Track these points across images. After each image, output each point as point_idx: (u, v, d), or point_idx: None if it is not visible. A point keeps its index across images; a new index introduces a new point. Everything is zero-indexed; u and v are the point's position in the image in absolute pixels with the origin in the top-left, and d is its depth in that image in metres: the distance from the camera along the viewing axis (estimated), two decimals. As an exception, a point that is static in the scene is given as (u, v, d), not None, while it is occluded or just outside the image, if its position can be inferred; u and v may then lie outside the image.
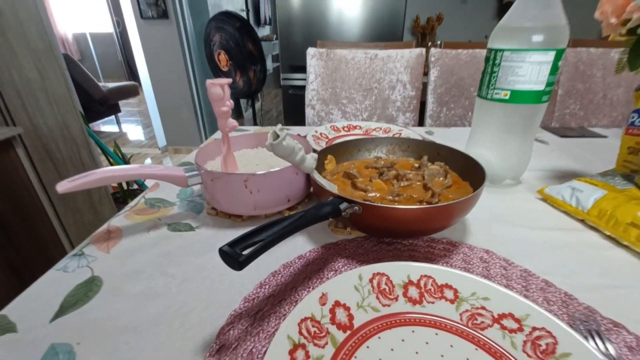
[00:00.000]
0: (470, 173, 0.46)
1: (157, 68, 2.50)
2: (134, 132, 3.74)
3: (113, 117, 3.64)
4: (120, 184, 1.59)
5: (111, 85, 3.30)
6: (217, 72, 2.02)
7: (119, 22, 5.11)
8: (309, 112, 1.16)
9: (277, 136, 0.34)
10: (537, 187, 0.53)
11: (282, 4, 1.80)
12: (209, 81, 0.39)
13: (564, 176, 0.58)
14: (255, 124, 2.38)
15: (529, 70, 0.44)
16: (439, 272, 0.31)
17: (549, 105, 1.02)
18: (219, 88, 0.39)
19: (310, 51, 1.13)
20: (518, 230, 0.43)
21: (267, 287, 0.34)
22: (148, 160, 2.82)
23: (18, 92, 1.03)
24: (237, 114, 3.99)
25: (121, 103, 3.86)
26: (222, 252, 0.25)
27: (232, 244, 0.25)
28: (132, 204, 0.50)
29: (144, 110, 4.55)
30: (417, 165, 0.51)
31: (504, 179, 0.54)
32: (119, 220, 0.46)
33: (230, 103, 0.41)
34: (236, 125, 0.43)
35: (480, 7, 2.17)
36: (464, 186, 0.45)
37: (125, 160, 1.59)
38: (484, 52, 1.07)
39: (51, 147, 1.12)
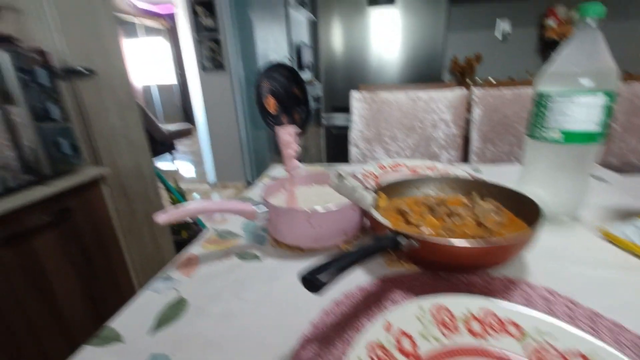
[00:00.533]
0: (524, 211, 0.46)
1: (211, 112, 2.78)
2: (186, 169, 4.08)
3: (169, 155, 4.02)
4: (176, 217, 1.74)
5: (170, 127, 3.69)
6: (265, 115, 2.19)
7: (181, 74, 5.81)
8: (353, 151, 1.22)
9: (341, 176, 0.39)
10: (597, 225, 0.51)
11: (326, 51, 1.97)
12: (279, 128, 0.46)
13: (626, 214, 0.56)
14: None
15: (580, 112, 0.46)
16: (501, 307, 0.32)
17: (607, 142, 0.98)
18: (288, 135, 0.46)
19: (354, 94, 1.21)
20: (580, 269, 0.42)
21: (331, 314, 0.36)
22: (196, 195, 3.03)
23: (105, 137, 1.22)
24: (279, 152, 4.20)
25: (176, 142, 4.27)
26: (304, 278, 0.29)
27: (311, 271, 0.29)
28: (205, 235, 0.57)
29: (195, 150, 4.97)
30: (467, 202, 0.53)
31: (559, 216, 0.53)
32: (195, 249, 0.52)
33: (296, 147, 0.47)
34: (299, 166, 0.49)
35: (521, 45, 2.19)
36: (519, 224, 0.46)
37: (182, 195, 1.74)
38: (528, 90, 1.09)
39: (126, 184, 1.28)
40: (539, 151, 0.52)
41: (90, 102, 1.17)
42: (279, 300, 0.39)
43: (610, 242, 0.47)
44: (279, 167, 0.96)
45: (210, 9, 2.46)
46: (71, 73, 1.10)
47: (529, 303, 0.36)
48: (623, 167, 0.79)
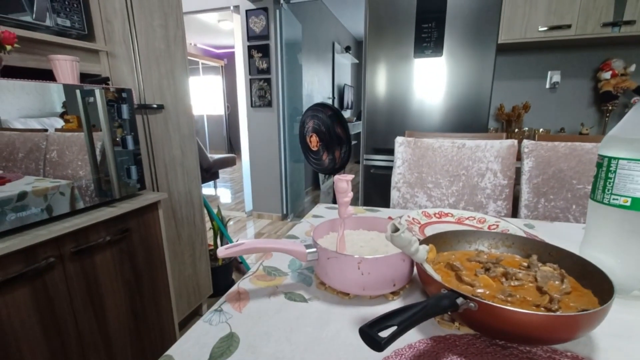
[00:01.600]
0: (591, 280, 0.44)
1: (256, 144, 2.94)
2: (225, 195, 4.26)
3: (212, 182, 4.25)
4: (215, 243, 1.80)
5: (216, 156, 3.93)
6: (307, 151, 2.28)
7: (229, 107, 6.29)
8: (394, 194, 1.22)
9: (396, 228, 0.40)
10: (680, 305, 0.46)
11: (370, 94, 2.05)
12: (337, 177, 0.49)
13: None
14: (333, 193, 2.52)
15: (652, 179, 0.44)
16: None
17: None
18: (345, 183, 0.48)
19: (399, 139, 1.23)
20: (662, 355, 0.38)
21: (382, 371, 0.36)
22: (231, 223, 3.12)
23: (165, 166, 1.33)
24: (314, 186, 4.28)
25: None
26: (362, 332, 0.29)
27: (371, 325, 0.30)
28: (253, 269, 0.59)
29: (235, 178, 5.22)
30: (525, 264, 0.51)
31: (632, 289, 0.49)
32: (245, 283, 0.54)
33: (351, 194, 0.49)
34: (353, 212, 0.51)
35: (572, 96, 2.13)
36: (585, 294, 0.43)
37: (224, 223, 1.81)
38: (585, 145, 1.04)
39: (177, 208, 1.38)
40: (605, 216, 0.50)
41: (157, 133, 1.30)
42: (328, 349, 0.39)
43: (697, 326, 0.42)
44: (322, 207, 0.98)
45: (265, 53, 2.70)
46: (145, 108, 1.25)
47: (603, 388, 0.33)
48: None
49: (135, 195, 1.07)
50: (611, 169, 0.47)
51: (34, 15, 0.93)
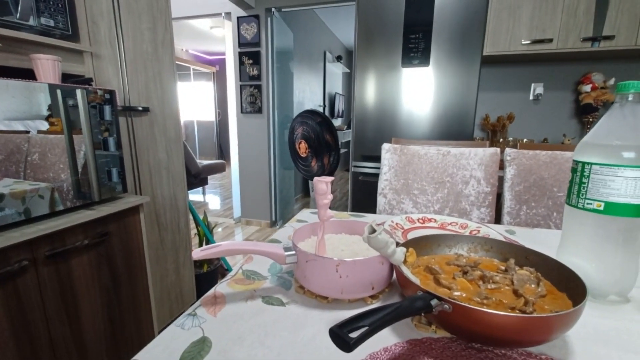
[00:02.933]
0: (566, 284, 0.44)
1: (245, 151, 2.93)
2: (213, 202, 4.21)
3: (200, 188, 4.20)
4: (200, 245, 1.76)
5: (205, 162, 3.90)
6: (296, 158, 2.28)
7: (219, 113, 6.27)
8: (380, 200, 1.22)
9: (374, 230, 0.39)
10: (652, 308, 0.47)
11: (359, 102, 2.07)
12: (316, 179, 0.48)
13: (687, 299, 0.51)
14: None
15: (624, 184, 0.45)
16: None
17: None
18: (324, 184, 0.48)
19: (385, 146, 1.24)
20: (632, 357, 0.38)
21: (356, 375, 0.35)
22: (219, 230, 3.08)
23: (150, 169, 1.31)
24: (304, 193, 4.27)
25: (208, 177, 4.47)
26: (332, 332, 0.28)
27: (341, 325, 0.29)
28: (232, 273, 0.58)
29: (224, 184, 5.17)
30: (503, 267, 0.51)
31: (607, 294, 0.50)
32: (222, 287, 0.53)
33: (330, 196, 0.49)
34: (332, 215, 0.50)
35: (554, 107, 2.19)
36: (560, 297, 0.43)
37: (210, 229, 1.78)
38: (565, 154, 1.07)
39: (160, 213, 1.35)
40: (580, 220, 0.50)
41: (142, 136, 1.28)
42: (302, 353, 0.39)
43: (668, 329, 0.43)
44: (308, 212, 0.98)
45: (255, 60, 2.71)
46: (130, 110, 1.23)
47: (575, 390, 0.33)
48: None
49: (116, 198, 1.05)
50: (585, 173, 0.48)
51: (18, 15, 0.91)
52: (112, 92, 1.02)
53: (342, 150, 5.11)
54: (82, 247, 0.91)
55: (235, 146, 2.95)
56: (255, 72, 2.73)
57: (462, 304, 0.35)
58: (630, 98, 0.46)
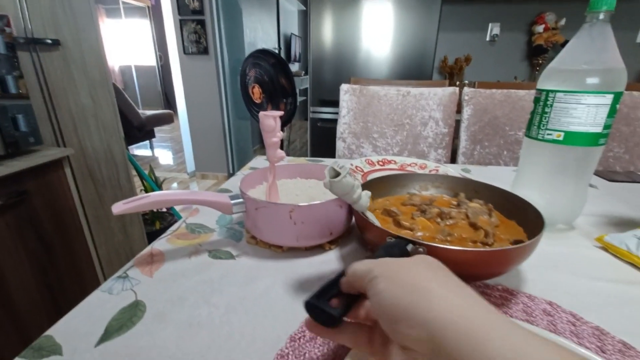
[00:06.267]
0: (514, 211, 0.44)
1: (193, 98, 2.66)
2: (164, 156, 3.92)
3: (147, 142, 3.85)
4: (150, 206, 1.64)
5: (149, 112, 3.52)
6: (250, 104, 2.12)
7: (162, 57, 5.58)
8: (339, 145, 1.17)
9: (337, 174, 0.34)
10: (594, 233, 0.49)
11: (315, 42, 1.91)
12: (262, 113, 0.41)
13: (621, 223, 0.54)
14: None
15: (585, 112, 0.43)
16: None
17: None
18: (272, 120, 0.40)
19: (344, 87, 1.16)
20: (580, 280, 0.39)
21: (313, 325, 0.32)
22: (175, 185, 2.91)
23: (72, 116, 1.11)
24: (262, 144, 4.11)
25: (155, 129, 4.09)
26: (310, 305, 0.23)
27: (318, 296, 0.23)
28: (173, 228, 0.51)
29: (175, 137, 4.79)
30: (455, 202, 0.50)
31: (556, 223, 0.51)
32: (161, 244, 0.46)
33: (280, 134, 0.42)
34: (284, 156, 0.44)
35: (509, 49, 2.21)
36: (511, 225, 0.43)
37: (158, 184, 1.64)
38: (519, 92, 1.07)
39: (94, 168, 1.19)
40: (538, 152, 0.49)
41: (56, 77, 1.06)
42: (254, 308, 0.34)
43: (610, 252, 0.45)
44: (262, 158, 0.90)
45: (196, -11, 2.33)
46: (34, 43, 1.00)
47: (530, 318, 0.33)
48: (609, 176, 0.79)
49: (30, 151, 0.88)
50: (548, 102, 0.46)
51: None
52: (2, 18, 0.80)
53: (301, 99, 4.90)
54: (-7, 209, 0.77)
55: (181, 93, 2.66)
56: (197, 5, 2.37)
57: (437, 245, 0.32)
58: (601, 17, 0.43)
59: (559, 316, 0.33)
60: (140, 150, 4.12)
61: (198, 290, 0.37)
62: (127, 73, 5.88)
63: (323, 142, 2.06)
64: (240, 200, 0.44)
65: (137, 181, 1.62)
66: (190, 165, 2.98)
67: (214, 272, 0.40)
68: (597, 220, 0.55)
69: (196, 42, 2.46)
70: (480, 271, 0.34)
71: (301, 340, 0.30)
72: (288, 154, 3.73)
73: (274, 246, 0.45)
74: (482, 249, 0.32)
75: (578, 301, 0.35)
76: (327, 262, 0.42)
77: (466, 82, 2.19)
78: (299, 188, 0.54)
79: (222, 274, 0.40)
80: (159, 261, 0.42)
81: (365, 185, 0.51)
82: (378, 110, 1.15)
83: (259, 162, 0.88)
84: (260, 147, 4.05)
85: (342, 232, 0.46)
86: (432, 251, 0.32)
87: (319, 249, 0.46)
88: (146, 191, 1.60)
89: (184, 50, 2.49)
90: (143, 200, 0.37)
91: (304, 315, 0.33)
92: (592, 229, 0.52)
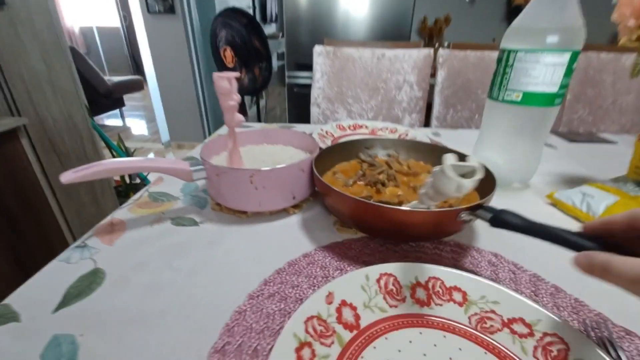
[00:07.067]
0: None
1: (162, 63, 2.50)
2: (137, 126, 3.75)
3: (117, 111, 3.65)
4: (122, 178, 1.59)
5: (116, 79, 3.30)
6: (222, 69, 2.01)
7: (126, 17, 5.13)
8: (314, 111, 1.15)
9: (469, 170, 0.27)
10: (546, 191, 0.52)
11: (290, 1, 1.80)
12: (215, 74, 0.39)
13: (573, 181, 0.57)
14: (259, 121, 2.38)
15: (543, 71, 0.44)
16: (447, 274, 0.30)
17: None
18: (226, 81, 0.39)
19: (317, 49, 1.12)
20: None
21: (271, 284, 0.33)
22: (151, 155, 2.82)
23: (25, 83, 1.03)
24: (242, 111, 3.98)
25: (126, 97, 3.87)
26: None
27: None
28: (135, 197, 0.50)
29: (148, 105, 4.55)
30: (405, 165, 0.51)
31: (512, 182, 0.53)
32: (122, 213, 0.46)
33: (237, 97, 0.41)
34: (243, 120, 0.43)
35: (488, 10, 2.16)
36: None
37: (129, 154, 1.59)
38: (492, 54, 1.07)
39: (55, 139, 1.12)
40: (497, 114, 0.50)
41: (1, 41, 0.96)
42: (215, 270, 0.35)
43: (558, 208, 0.48)
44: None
45: (156, -62, 2.11)
46: (-32, -2, 0.89)
47: (476, 269, 0.35)
48: (570, 137, 0.82)
49: (-21, 121, 0.82)
50: (509, 62, 0.46)
51: None
52: None
53: (281, 63, 4.69)
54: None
55: (149, 58, 2.49)
56: (158, -44, 2.15)
57: (378, 204, 0.33)
58: (564, -29, 0.42)
59: (501, 266, 0.36)
60: (110, 120, 3.91)
61: (160, 256, 0.37)
62: (89, 35, 5.41)
63: (302, 109, 2.02)
64: (201, 167, 0.43)
65: (108, 153, 1.55)
66: (165, 135, 2.88)
67: (176, 238, 0.41)
68: (551, 178, 0.58)
69: (162, 0, 2.27)
70: (429, 231, 0.35)
71: (259, 297, 0.31)
72: (267, 121, 3.64)
73: (238, 212, 0.45)
74: (437, 210, 0.33)
75: (521, 253, 0.38)
76: (290, 226, 0.43)
77: (445, 43, 2.16)
78: (265, 153, 0.53)
79: (184, 239, 0.40)
80: (120, 230, 0.42)
81: (326, 152, 0.49)
82: (352, 74, 1.12)
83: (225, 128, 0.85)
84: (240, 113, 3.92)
85: (305, 196, 0.46)
86: (395, 214, 0.32)
87: (283, 213, 0.46)
88: (117, 162, 1.55)
89: (148, 9, 2.30)
90: (94, 169, 0.36)
91: (263, 274, 0.35)
92: (545, 187, 0.55)
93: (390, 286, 0.30)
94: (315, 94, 1.14)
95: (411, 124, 1.13)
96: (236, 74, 0.40)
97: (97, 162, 0.38)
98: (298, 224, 0.44)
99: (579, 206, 0.45)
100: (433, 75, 1.12)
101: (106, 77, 3.17)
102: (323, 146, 0.64)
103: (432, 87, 1.12)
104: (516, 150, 0.50)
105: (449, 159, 0.26)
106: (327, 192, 0.39)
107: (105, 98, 3.06)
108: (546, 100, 0.45)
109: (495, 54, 1.07)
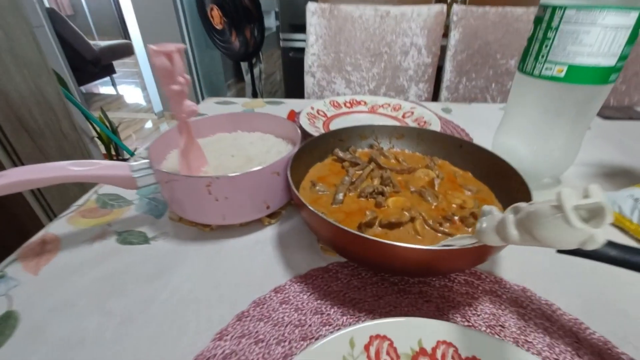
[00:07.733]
0: (497, 176, 0.36)
1: (148, 26, 2.30)
2: (132, 94, 3.58)
3: (108, 78, 3.47)
4: (109, 153, 1.50)
5: (103, 44, 3.10)
6: (210, 31, 1.83)
7: (111, -27, 4.73)
8: (308, 81, 1.03)
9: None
10: (582, 188, 0.42)
11: (283, -50, 1.58)
12: (151, 47, 0.28)
13: (614, 174, 0.47)
14: (254, 89, 2.22)
15: (600, 37, 0.32)
16: (463, 337, 0.22)
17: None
18: (164, 58, 0.28)
19: (311, 7, 0.97)
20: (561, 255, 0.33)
21: (228, 338, 0.25)
22: (148, 126, 2.70)
23: (-23, 52, 0.91)
24: (238, 78, 3.78)
25: (118, 63, 3.67)
26: None
27: None
28: (80, 202, 0.42)
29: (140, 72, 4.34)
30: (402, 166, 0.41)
31: (542, 177, 0.43)
32: (59, 226, 0.37)
33: (183, 79, 0.30)
34: (196, 110, 0.32)
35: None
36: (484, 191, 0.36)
37: (113, 129, 1.48)
38: (516, 11, 0.91)
39: (24, 115, 1.02)
40: (530, 93, 0.39)
41: (-60, -1, 0.83)
42: (157, 315, 0.27)
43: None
44: (211, 101, 0.76)
45: None
46: None
47: (498, 311, 0.27)
48: (602, 113, 0.70)
49: None
50: (552, 24, 0.34)
51: None
52: None
53: (277, 23, 4.37)
54: None
55: (133, 18, 2.29)
56: None
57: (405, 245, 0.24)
58: None
59: (531, 308, 0.27)
60: (103, 88, 3.74)
61: (92, 292, 0.29)
62: (74, -5, 5.05)
63: (298, 76, 1.86)
64: (147, 171, 0.34)
65: (92, 128, 1.45)
66: (157, 105, 2.74)
67: (119, 262, 0.32)
68: (587, 170, 0.48)
69: (141, -49, 2.02)
70: (464, 266, 0.26)
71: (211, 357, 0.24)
72: (264, 89, 3.46)
73: (200, 224, 0.37)
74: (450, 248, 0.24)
75: (554, 284, 0.29)
76: (263, 243, 0.35)
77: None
78: (237, 145, 0.43)
79: (128, 264, 0.32)
80: (52, 250, 0.34)
81: (301, 152, 0.38)
82: (352, 36, 0.98)
83: (208, 105, 0.75)
84: (235, 81, 3.73)
85: (281, 204, 0.37)
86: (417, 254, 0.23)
87: (257, 223, 0.37)
88: (101, 139, 1.45)
89: (127, -37, 2.06)
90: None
91: (219, 322, 0.26)
92: (581, 182, 0.45)
93: (384, 356, 0.22)
94: (309, 61, 1.00)
95: (418, 95, 1.00)
96: (181, 45, 0.29)
97: (2, 172, 0.28)
98: (272, 241, 0.35)
99: (628, 215, 0.35)
100: (445, 35, 0.97)
101: (93, 42, 2.97)
102: (313, 131, 0.53)
103: (443, 52, 0.98)
104: (552, 139, 0.40)
105: (571, 198, 0.15)
106: (311, 219, 0.29)
107: (94, 65, 2.88)
108: (599, 76, 0.34)
109: (521, 11, 0.91)
